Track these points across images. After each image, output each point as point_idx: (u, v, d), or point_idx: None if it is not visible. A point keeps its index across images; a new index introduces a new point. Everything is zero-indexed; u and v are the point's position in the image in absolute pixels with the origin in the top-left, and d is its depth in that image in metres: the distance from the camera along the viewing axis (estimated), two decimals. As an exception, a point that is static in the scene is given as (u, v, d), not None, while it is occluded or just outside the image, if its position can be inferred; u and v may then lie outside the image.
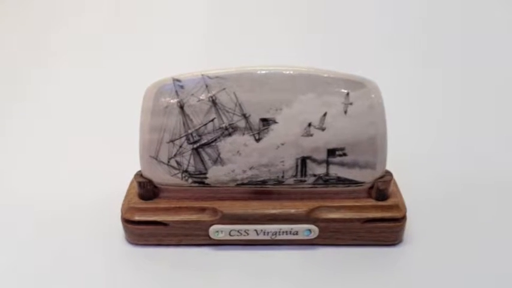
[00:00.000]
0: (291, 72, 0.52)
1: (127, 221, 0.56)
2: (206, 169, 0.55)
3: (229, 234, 0.55)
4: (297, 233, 0.55)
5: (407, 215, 0.56)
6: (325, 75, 0.53)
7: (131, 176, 0.58)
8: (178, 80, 0.53)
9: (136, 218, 0.55)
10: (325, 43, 0.93)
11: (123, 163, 0.62)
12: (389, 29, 0.93)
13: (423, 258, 0.55)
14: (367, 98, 0.53)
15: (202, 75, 0.52)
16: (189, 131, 0.53)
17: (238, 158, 0.54)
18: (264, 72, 0.52)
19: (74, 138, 0.79)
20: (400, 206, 0.55)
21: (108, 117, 0.84)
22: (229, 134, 0.53)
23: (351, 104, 0.52)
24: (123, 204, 0.57)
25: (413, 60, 0.91)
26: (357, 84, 0.53)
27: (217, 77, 0.52)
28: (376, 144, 0.53)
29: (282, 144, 0.53)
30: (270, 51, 0.88)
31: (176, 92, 0.53)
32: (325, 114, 0.52)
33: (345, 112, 0.52)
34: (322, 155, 0.54)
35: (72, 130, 0.82)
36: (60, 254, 0.56)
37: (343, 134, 0.53)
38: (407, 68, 0.90)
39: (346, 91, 0.52)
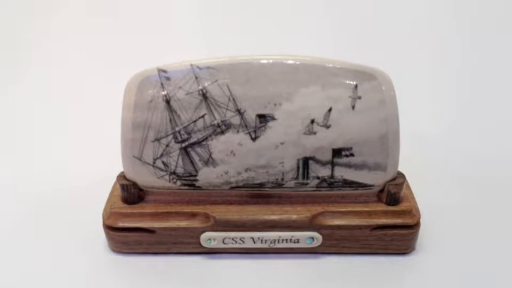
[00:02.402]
0: (292, 61, 0.49)
1: (109, 228, 0.53)
2: (196, 171, 0.51)
3: (223, 243, 0.52)
4: (298, 241, 0.52)
5: (421, 221, 0.53)
6: (331, 65, 0.49)
7: (113, 178, 0.55)
8: (164, 71, 0.49)
9: (120, 224, 0.52)
10: (331, 30, 0.89)
11: (104, 163, 0.60)
12: (402, 16, 0.89)
13: (437, 268, 0.53)
14: (378, 91, 0.49)
15: (192, 65, 0.49)
16: (177, 129, 0.50)
17: (232, 159, 0.50)
18: (261, 62, 0.49)
19: (50, 136, 0.77)
20: (413, 212, 0.53)
21: (87, 113, 0.81)
22: (222, 132, 0.50)
23: (359, 98, 0.49)
24: (104, 209, 0.54)
25: (430, 49, 0.87)
26: (366, 75, 0.49)
27: (208, 67, 0.49)
28: (387, 143, 0.50)
29: (282, 143, 0.50)
30: (269, 39, 0.85)
31: (162, 84, 0.49)
32: (330, 110, 0.49)
33: (353, 107, 0.49)
34: (327, 156, 0.50)
35: (47, 127, 0.79)
36: (36, 264, 0.54)
37: (350, 132, 0.50)
38: (423, 57, 0.87)
39: (354, 83, 0.49)
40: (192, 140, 0.50)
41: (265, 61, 0.49)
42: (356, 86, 0.49)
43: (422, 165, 0.67)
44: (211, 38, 0.88)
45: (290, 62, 0.49)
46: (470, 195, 0.64)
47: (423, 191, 0.57)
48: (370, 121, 0.49)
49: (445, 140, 0.75)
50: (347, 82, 0.49)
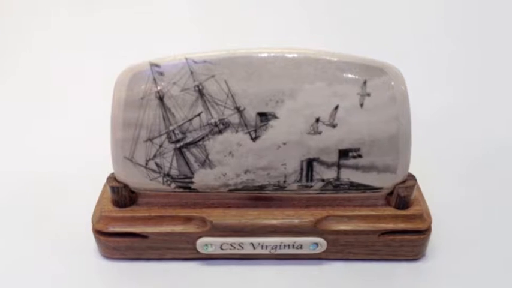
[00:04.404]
0: (295, 55, 0.48)
1: (99, 233, 0.52)
2: (192, 173, 0.50)
3: (221, 248, 0.51)
4: (301, 247, 0.51)
5: (432, 226, 0.52)
6: (337, 59, 0.48)
7: (103, 179, 0.53)
8: (156, 65, 0.48)
9: (110, 229, 0.51)
10: (337, 21, 0.87)
11: (93, 164, 0.59)
12: (413, 5, 0.88)
13: (449, 275, 0.52)
14: (388, 87, 0.48)
15: (187, 59, 0.48)
16: (171, 128, 0.48)
17: (231, 160, 0.49)
18: (262, 55, 0.47)
19: (35, 136, 0.75)
20: (424, 216, 0.52)
21: (74, 110, 0.80)
22: (220, 132, 0.48)
23: (368, 95, 0.48)
24: (94, 213, 0.53)
25: (443, 42, 0.86)
26: (375, 70, 0.48)
27: (204, 61, 0.48)
28: (398, 143, 0.49)
29: (284, 143, 0.49)
30: (270, 31, 0.84)
31: (154, 79, 0.48)
32: (336, 108, 0.48)
33: (361, 105, 0.48)
34: (333, 157, 0.49)
35: (32, 126, 0.77)
36: (21, 271, 0.53)
37: (358, 132, 0.48)
38: (436, 50, 0.85)
39: (362, 79, 0.47)
40: (188, 140, 0.49)
41: (266, 55, 0.47)
42: (365, 82, 0.47)
43: (433, 167, 0.66)
44: (208, 30, 0.87)
45: (293, 55, 0.47)
46: (485, 199, 0.62)
47: (434, 194, 0.56)
48: (380, 120, 0.48)
49: (459, 140, 0.74)
50: (355, 78, 0.47)
